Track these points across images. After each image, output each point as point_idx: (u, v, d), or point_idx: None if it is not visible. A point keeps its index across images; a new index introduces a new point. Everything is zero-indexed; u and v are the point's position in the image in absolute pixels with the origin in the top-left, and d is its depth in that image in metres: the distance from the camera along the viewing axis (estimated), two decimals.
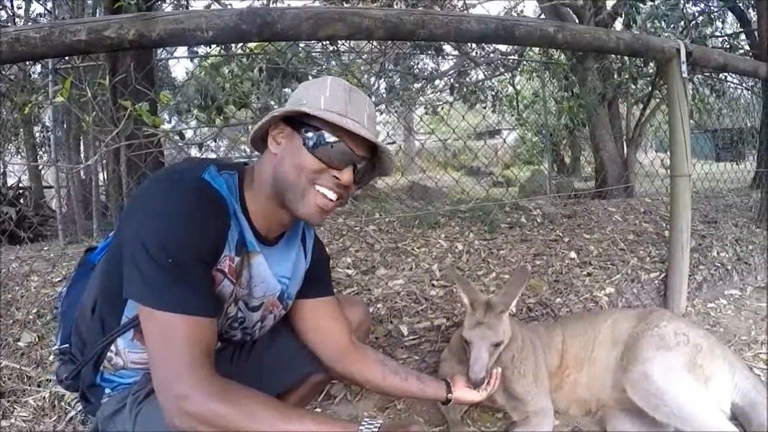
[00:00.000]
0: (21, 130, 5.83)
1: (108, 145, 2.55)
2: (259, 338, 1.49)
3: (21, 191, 5.97)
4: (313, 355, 1.53)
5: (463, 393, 1.67)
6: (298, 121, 1.20)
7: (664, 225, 3.89)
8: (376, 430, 1.11)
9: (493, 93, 6.91)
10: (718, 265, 3.41)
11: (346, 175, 1.21)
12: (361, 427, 1.10)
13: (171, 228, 1.08)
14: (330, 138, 1.18)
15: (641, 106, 5.53)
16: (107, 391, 1.30)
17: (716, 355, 1.85)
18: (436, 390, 1.63)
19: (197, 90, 3.20)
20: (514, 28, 2.20)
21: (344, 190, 1.24)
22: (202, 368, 1.06)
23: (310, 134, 1.18)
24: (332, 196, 1.22)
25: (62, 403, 2.00)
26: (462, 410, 2.15)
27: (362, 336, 1.74)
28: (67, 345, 1.36)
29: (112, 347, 1.26)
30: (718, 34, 6.07)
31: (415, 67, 7.11)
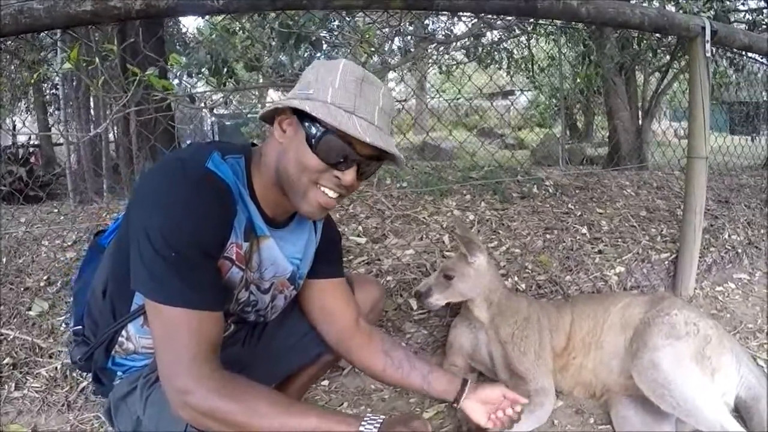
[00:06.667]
0: (30, 88, 5.76)
1: (118, 110, 2.51)
2: (270, 320, 1.50)
3: (31, 150, 5.95)
4: (323, 336, 1.53)
5: (472, 405, 1.48)
6: (304, 113, 1.13)
7: (677, 202, 3.85)
8: (379, 425, 1.10)
9: (508, 54, 6.75)
10: (729, 248, 3.37)
11: (349, 176, 1.16)
12: (363, 422, 1.10)
13: (175, 221, 1.06)
14: (333, 138, 1.11)
15: (658, 75, 5.40)
16: (119, 374, 1.33)
17: (724, 347, 1.84)
18: (442, 393, 1.49)
19: (208, 53, 3.14)
20: (536, 0, 2.13)
21: (347, 190, 1.20)
22: (205, 363, 1.07)
23: (313, 130, 1.12)
24: (333, 195, 1.19)
25: (74, 374, 2.04)
26: None
27: (375, 317, 1.75)
28: (80, 327, 1.37)
29: (123, 332, 1.27)
30: (742, 8, 5.86)
31: (429, 26, 6.91)
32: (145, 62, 2.55)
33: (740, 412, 1.82)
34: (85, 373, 2.03)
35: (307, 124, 1.13)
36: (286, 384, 1.70)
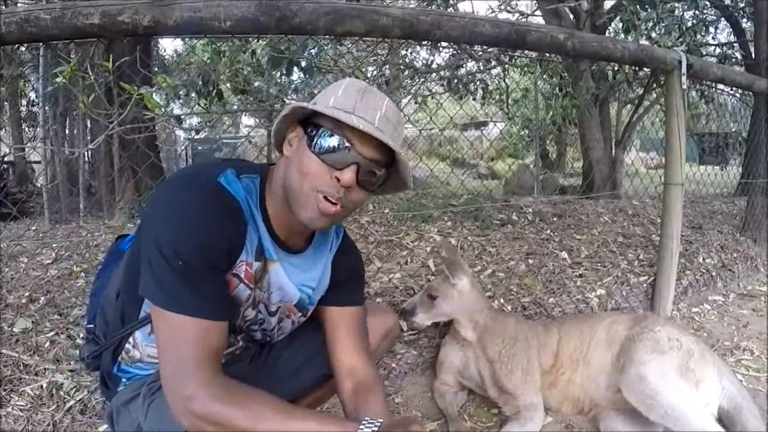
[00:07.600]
0: (6, 103, 5.64)
1: (108, 128, 2.51)
2: (279, 341, 1.49)
3: (5, 167, 5.82)
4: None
5: None
6: (309, 122, 1.17)
7: (652, 229, 3.99)
8: (376, 429, 1.10)
9: (483, 86, 6.88)
10: (704, 271, 3.51)
11: (347, 176, 1.13)
12: (361, 426, 1.10)
13: (183, 231, 1.08)
14: (331, 136, 1.13)
15: (631, 107, 5.61)
16: (123, 380, 1.33)
17: (706, 361, 1.92)
18: None
19: (199, 74, 3.16)
20: (526, 33, 2.23)
21: (348, 196, 1.16)
22: (207, 370, 1.07)
23: (313, 132, 1.15)
24: (334, 199, 1.15)
25: (61, 392, 1.96)
26: (459, 405, 2.21)
27: (388, 346, 1.74)
28: (92, 325, 1.38)
29: (131, 339, 1.28)
30: (712, 42, 6.19)
31: (407, 56, 7.04)
32: (134, 81, 2.57)
33: (723, 421, 1.89)
34: (72, 391, 1.98)
35: (309, 129, 1.16)
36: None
